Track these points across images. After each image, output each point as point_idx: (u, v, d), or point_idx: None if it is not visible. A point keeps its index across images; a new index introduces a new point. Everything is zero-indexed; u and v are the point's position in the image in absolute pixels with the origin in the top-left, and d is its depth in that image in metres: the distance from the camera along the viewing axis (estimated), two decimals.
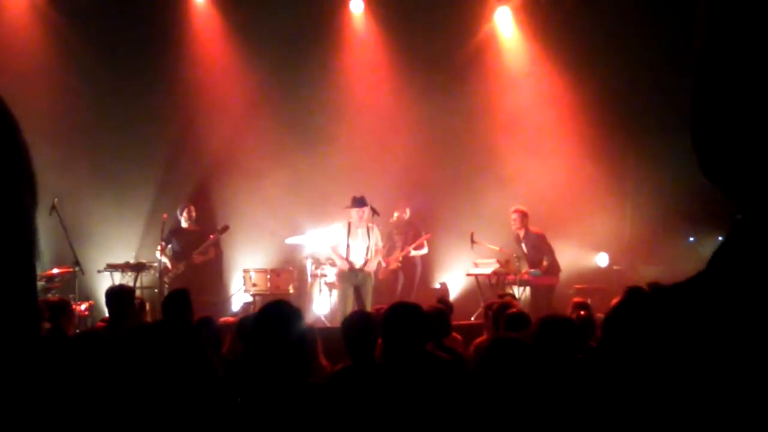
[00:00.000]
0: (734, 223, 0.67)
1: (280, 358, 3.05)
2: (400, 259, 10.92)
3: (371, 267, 9.44)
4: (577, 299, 6.95)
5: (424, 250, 11.02)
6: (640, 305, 0.69)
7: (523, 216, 10.27)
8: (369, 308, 8.81)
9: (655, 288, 0.71)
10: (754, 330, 0.61)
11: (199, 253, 10.14)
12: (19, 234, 0.72)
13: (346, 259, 9.39)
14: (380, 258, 9.80)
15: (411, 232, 11.01)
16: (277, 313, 3.21)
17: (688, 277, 0.68)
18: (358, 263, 9.39)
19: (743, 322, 0.61)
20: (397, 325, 3.83)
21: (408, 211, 11.08)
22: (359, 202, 9.40)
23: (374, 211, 9.70)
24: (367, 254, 9.42)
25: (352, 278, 9.39)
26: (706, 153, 0.68)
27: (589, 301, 7.55)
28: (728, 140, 0.65)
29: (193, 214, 10.41)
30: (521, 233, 10.30)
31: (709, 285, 0.66)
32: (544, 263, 10.16)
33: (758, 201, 0.64)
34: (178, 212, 10.39)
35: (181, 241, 10.20)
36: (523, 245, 10.34)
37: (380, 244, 9.69)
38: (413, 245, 10.86)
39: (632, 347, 0.67)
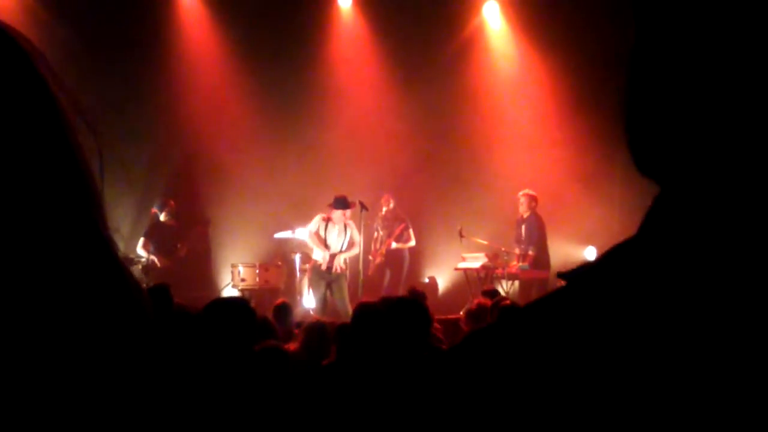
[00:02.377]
0: (655, 197, 0.68)
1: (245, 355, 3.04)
2: (383, 252, 10.90)
3: (339, 262, 9.52)
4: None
5: (412, 243, 10.97)
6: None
7: (532, 199, 10.35)
8: (347, 304, 8.93)
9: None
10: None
11: (182, 249, 10.20)
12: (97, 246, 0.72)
13: (324, 243, 9.49)
14: (351, 253, 9.81)
15: (396, 224, 10.99)
16: (218, 311, 3.21)
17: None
18: (330, 258, 9.52)
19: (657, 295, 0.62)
20: (361, 324, 3.83)
21: (392, 202, 11.00)
22: (341, 203, 9.49)
23: (363, 206, 9.74)
24: (341, 247, 9.52)
25: (324, 275, 9.51)
26: (639, 149, 0.70)
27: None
28: (659, 134, 0.67)
29: (173, 209, 10.39)
30: (526, 215, 10.34)
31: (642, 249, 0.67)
32: (530, 252, 10.18)
33: (679, 178, 0.66)
34: (157, 207, 10.36)
35: (163, 235, 10.18)
36: (523, 227, 10.36)
37: (357, 238, 9.75)
38: (393, 237, 10.86)
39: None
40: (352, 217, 9.75)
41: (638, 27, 0.69)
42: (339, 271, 9.55)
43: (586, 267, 0.69)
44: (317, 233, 9.61)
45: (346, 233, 9.59)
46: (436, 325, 6.01)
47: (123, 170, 11.01)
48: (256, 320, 3.67)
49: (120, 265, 0.74)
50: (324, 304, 9.47)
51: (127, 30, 10.97)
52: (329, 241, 9.55)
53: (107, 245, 0.73)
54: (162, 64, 11.31)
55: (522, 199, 10.35)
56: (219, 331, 3.21)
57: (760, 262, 0.60)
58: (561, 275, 0.70)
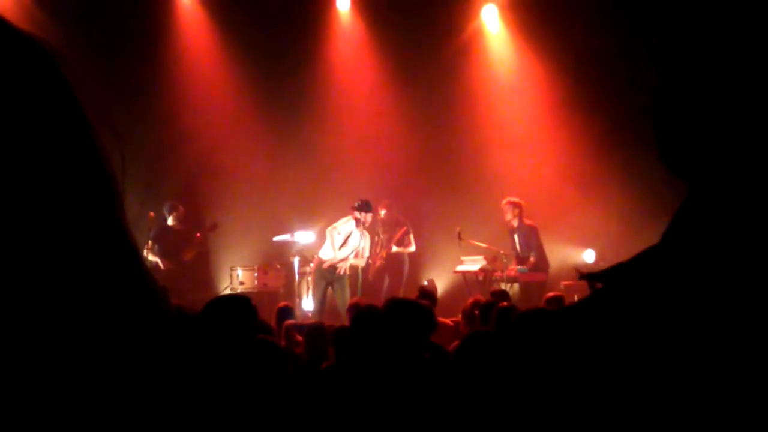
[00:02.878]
0: (684, 200, 0.69)
1: (247, 352, 3.05)
2: (384, 255, 10.90)
3: (345, 265, 9.63)
4: (551, 294, 6.96)
5: (412, 248, 10.97)
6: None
7: (515, 206, 10.26)
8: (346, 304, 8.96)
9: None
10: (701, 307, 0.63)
11: (189, 253, 10.22)
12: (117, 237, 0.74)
13: (341, 247, 9.64)
14: (361, 264, 9.96)
15: (396, 228, 10.99)
16: (221, 308, 3.22)
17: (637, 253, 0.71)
18: (339, 258, 9.59)
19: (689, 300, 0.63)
20: (359, 327, 3.83)
21: (388, 208, 11.01)
22: (366, 206, 9.68)
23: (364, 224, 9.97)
24: (351, 254, 9.66)
25: (327, 275, 9.56)
26: (668, 147, 0.72)
27: (563, 296, 7.55)
28: (688, 135, 0.69)
29: (182, 213, 10.42)
30: (515, 224, 10.30)
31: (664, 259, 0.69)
32: (531, 259, 10.18)
33: (706, 181, 0.68)
34: (165, 211, 10.35)
35: (169, 240, 10.18)
36: (516, 237, 10.34)
37: (366, 253, 9.98)
38: (394, 241, 10.87)
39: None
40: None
41: (663, 30, 0.71)
42: (342, 273, 9.64)
43: (616, 269, 0.70)
44: (339, 233, 9.77)
45: (360, 242, 9.78)
46: (449, 322, 6.02)
47: (119, 175, 11.00)
48: (257, 317, 3.68)
49: (140, 262, 0.76)
50: (322, 305, 9.54)
51: (126, 31, 10.97)
52: (347, 245, 9.67)
53: (129, 242, 0.75)
54: (159, 66, 11.32)
55: (505, 208, 10.30)
56: (222, 326, 3.22)
57: None
58: (586, 277, 0.71)
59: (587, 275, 0.71)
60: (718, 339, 0.61)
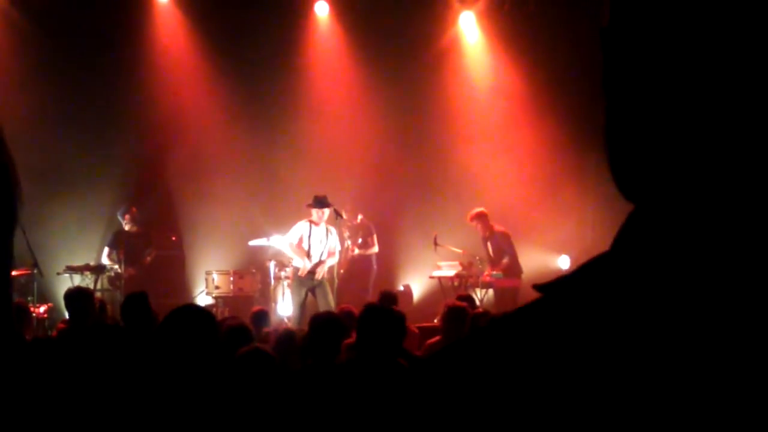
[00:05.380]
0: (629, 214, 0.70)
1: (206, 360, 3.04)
2: (348, 258, 10.87)
3: (323, 270, 9.43)
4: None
5: (375, 248, 10.94)
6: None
7: (481, 217, 10.32)
8: (333, 309, 8.81)
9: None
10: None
11: (147, 257, 10.08)
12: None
13: (307, 254, 9.41)
14: (335, 261, 9.75)
15: (360, 233, 11.00)
16: (179, 319, 3.21)
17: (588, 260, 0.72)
18: (313, 264, 9.42)
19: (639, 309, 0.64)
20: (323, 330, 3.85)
21: (360, 217, 11.02)
22: (320, 202, 9.39)
23: (338, 214, 9.69)
24: (321, 256, 9.43)
25: (306, 282, 9.42)
26: (621, 176, 0.71)
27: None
28: (639, 161, 0.68)
29: (136, 215, 10.22)
30: (486, 233, 10.37)
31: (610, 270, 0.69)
32: (504, 261, 10.24)
33: (654, 198, 0.68)
34: (119, 215, 10.20)
35: (128, 244, 10.02)
36: (489, 245, 10.40)
37: (338, 247, 9.68)
38: (355, 244, 10.89)
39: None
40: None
41: (607, 52, 0.72)
42: (321, 278, 9.42)
43: (561, 279, 0.71)
44: (299, 244, 9.51)
45: (327, 239, 9.50)
46: (414, 329, 6.02)
47: (92, 178, 10.92)
48: (216, 328, 3.64)
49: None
50: (302, 311, 9.28)
51: (102, 36, 10.90)
52: (312, 247, 9.45)
53: None
54: (136, 70, 11.24)
55: (472, 222, 10.35)
56: (181, 340, 3.20)
57: (727, 275, 0.62)
58: (537, 287, 0.72)
59: (538, 286, 0.72)
60: (658, 349, 0.62)
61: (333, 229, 9.61)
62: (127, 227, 10.12)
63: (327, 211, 9.41)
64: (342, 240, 10.63)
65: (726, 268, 0.62)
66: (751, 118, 0.62)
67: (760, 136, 0.62)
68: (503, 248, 10.31)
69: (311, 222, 9.46)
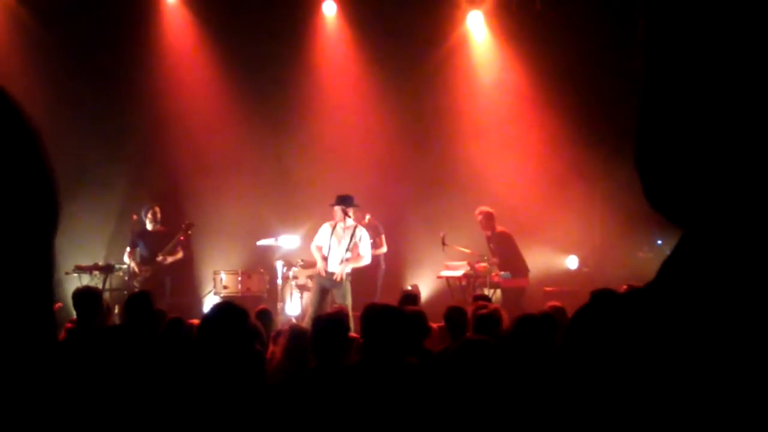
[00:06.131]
0: (680, 238, 0.67)
1: (231, 359, 3.04)
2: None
3: (341, 270, 9.34)
4: (552, 303, 6.90)
5: (383, 249, 10.92)
6: (601, 310, 0.71)
7: (486, 216, 10.32)
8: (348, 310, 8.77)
9: (613, 294, 0.72)
10: (701, 338, 0.62)
11: (166, 254, 9.95)
12: (41, 259, 0.74)
13: (324, 259, 9.38)
14: (358, 263, 9.58)
15: (370, 232, 10.97)
16: (220, 315, 3.21)
17: (645, 284, 0.70)
18: (332, 264, 9.37)
19: (691, 329, 0.63)
20: (372, 327, 3.83)
21: (367, 216, 10.98)
22: (340, 200, 9.35)
23: (345, 213, 9.66)
24: (343, 256, 9.38)
25: (323, 281, 9.39)
26: (652, 181, 0.68)
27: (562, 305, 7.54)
28: (674, 168, 0.66)
29: (158, 215, 10.18)
30: (488, 233, 10.37)
31: (660, 295, 0.68)
32: (493, 260, 10.20)
33: (700, 221, 0.65)
34: (142, 214, 10.19)
35: (148, 243, 10.01)
36: (492, 245, 10.40)
37: (365, 250, 9.54)
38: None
39: (592, 349, 0.68)
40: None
41: (649, 58, 0.68)
42: (339, 279, 9.32)
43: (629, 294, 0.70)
44: (317, 245, 9.48)
45: (351, 238, 9.41)
46: (434, 327, 6.01)
47: (102, 178, 10.95)
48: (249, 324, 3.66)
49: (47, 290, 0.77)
50: (317, 309, 9.17)
51: (111, 35, 10.92)
52: (331, 248, 9.42)
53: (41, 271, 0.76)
54: (146, 68, 11.27)
55: (478, 218, 10.36)
56: (223, 335, 3.19)
57: None
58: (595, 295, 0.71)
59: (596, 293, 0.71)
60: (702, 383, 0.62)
61: (363, 231, 9.55)
62: (149, 227, 10.10)
63: (338, 210, 9.38)
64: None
65: None
66: None
67: None
68: (500, 249, 10.30)
69: (336, 223, 9.46)
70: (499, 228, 10.36)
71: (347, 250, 9.39)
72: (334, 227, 9.48)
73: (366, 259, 9.59)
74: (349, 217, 9.50)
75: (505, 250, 10.30)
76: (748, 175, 0.61)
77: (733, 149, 0.62)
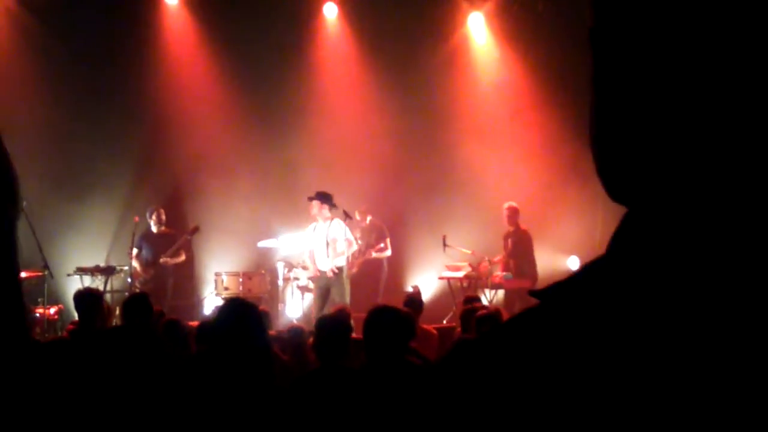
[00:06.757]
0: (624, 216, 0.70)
1: (238, 358, 3.04)
2: (360, 262, 10.84)
3: (327, 266, 9.39)
4: None
5: (388, 252, 10.92)
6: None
7: (513, 211, 10.45)
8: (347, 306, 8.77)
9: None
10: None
11: (168, 257, 9.94)
12: (2, 247, 0.74)
13: (313, 262, 9.48)
14: (347, 253, 9.64)
15: (374, 235, 10.97)
16: (234, 312, 3.20)
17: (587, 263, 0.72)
18: (320, 262, 9.45)
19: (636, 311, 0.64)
20: (375, 329, 3.83)
21: (369, 218, 10.97)
22: (317, 195, 9.44)
23: (347, 215, 9.72)
24: (326, 251, 9.43)
25: (319, 281, 9.46)
26: (609, 178, 0.71)
27: None
28: (630, 161, 0.68)
29: (163, 217, 10.18)
30: (511, 229, 10.41)
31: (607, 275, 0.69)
32: (511, 261, 10.24)
33: (646, 201, 0.68)
34: (147, 216, 10.20)
35: (152, 245, 10.02)
36: (510, 241, 10.42)
37: (340, 239, 9.55)
38: (375, 248, 10.83)
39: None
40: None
41: (597, 56, 0.71)
42: (331, 275, 9.40)
43: (556, 286, 0.71)
44: (309, 249, 9.60)
45: (327, 233, 9.45)
46: (432, 330, 6.04)
47: (102, 179, 10.96)
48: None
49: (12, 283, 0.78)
50: (320, 307, 9.23)
51: (113, 39, 10.93)
52: (316, 244, 9.50)
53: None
54: (147, 70, 11.29)
55: (505, 213, 10.43)
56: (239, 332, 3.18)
57: (721, 279, 0.62)
58: (533, 294, 0.72)
59: (533, 293, 0.72)
60: (654, 353, 0.62)
61: (340, 224, 9.55)
62: (154, 229, 10.11)
63: (315, 204, 9.43)
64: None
65: (722, 269, 0.62)
66: (741, 118, 0.62)
67: (751, 136, 0.62)
68: (516, 247, 10.30)
69: (315, 222, 9.57)
70: (523, 226, 10.42)
71: (327, 244, 9.44)
72: (315, 227, 9.59)
73: (352, 246, 9.66)
74: (326, 208, 9.50)
75: (522, 250, 10.32)
76: (691, 152, 0.64)
77: (678, 130, 0.64)
